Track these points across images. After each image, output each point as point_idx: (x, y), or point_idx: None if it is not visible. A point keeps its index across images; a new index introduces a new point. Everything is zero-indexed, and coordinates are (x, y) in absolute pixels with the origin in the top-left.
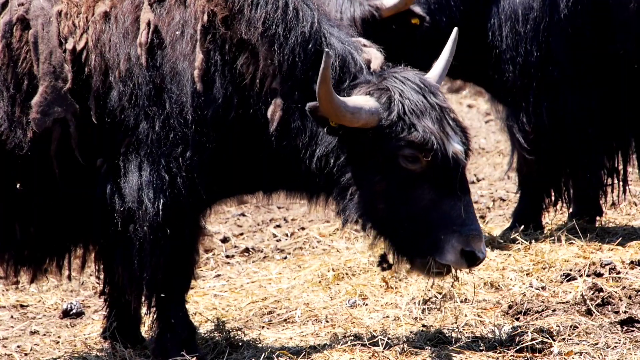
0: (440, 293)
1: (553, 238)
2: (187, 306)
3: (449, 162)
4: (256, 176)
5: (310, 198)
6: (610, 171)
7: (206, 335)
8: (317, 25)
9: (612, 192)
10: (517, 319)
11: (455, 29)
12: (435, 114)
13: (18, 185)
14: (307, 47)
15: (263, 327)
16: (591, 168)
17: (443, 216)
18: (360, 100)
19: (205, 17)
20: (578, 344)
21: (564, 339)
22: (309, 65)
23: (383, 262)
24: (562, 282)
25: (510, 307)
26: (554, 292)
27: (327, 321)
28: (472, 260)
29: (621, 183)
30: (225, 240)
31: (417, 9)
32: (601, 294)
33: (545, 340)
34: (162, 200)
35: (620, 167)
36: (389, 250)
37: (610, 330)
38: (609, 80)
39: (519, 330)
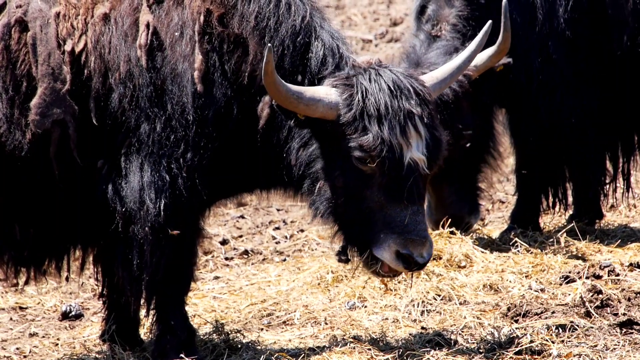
0: (439, 295)
1: (552, 240)
2: (186, 308)
3: (402, 170)
4: (253, 174)
5: (295, 194)
6: (613, 172)
7: (205, 337)
8: (308, 19)
9: (615, 193)
10: (516, 321)
11: (489, 22)
12: (399, 118)
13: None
14: (297, 40)
15: (262, 329)
16: (591, 170)
17: (386, 220)
18: (322, 91)
19: (202, 18)
20: (577, 346)
21: (563, 341)
22: (297, 57)
23: (342, 254)
24: (561, 284)
25: (509, 309)
26: (553, 294)
27: (326, 323)
28: (408, 263)
29: (625, 182)
30: (224, 242)
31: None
32: (600, 296)
33: (544, 342)
34: (163, 201)
35: (621, 167)
36: (344, 243)
37: (609, 333)
38: (607, 81)
39: (518, 332)
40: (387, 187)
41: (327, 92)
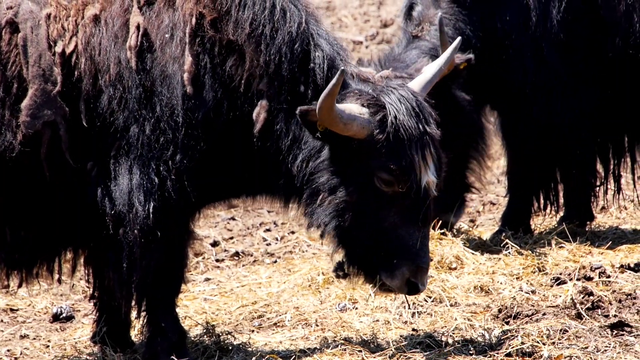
0: (430, 297)
1: (543, 242)
2: (177, 310)
3: (420, 193)
4: (244, 178)
5: (285, 202)
6: (604, 174)
7: (196, 339)
8: (304, 25)
9: (605, 194)
10: (507, 323)
11: (459, 38)
12: (422, 142)
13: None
14: (294, 47)
15: (253, 331)
16: (583, 172)
17: (400, 242)
18: (355, 110)
19: (194, 20)
20: (568, 348)
21: (554, 343)
22: (295, 64)
23: (339, 270)
24: (552, 286)
25: (500, 310)
26: (544, 296)
27: (317, 325)
28: (413, 290)
29: (615, 184)
30: (215, 244)
31: (461, 56)
32: (591, 297)
33: (535, 344)
34: (152, 204)
35: (612, 169)
36: (345, 259)
37: (600, 334)
38: (601, 83)
39: (509, 334)
40: (405, 209)
41: (359, 110)
